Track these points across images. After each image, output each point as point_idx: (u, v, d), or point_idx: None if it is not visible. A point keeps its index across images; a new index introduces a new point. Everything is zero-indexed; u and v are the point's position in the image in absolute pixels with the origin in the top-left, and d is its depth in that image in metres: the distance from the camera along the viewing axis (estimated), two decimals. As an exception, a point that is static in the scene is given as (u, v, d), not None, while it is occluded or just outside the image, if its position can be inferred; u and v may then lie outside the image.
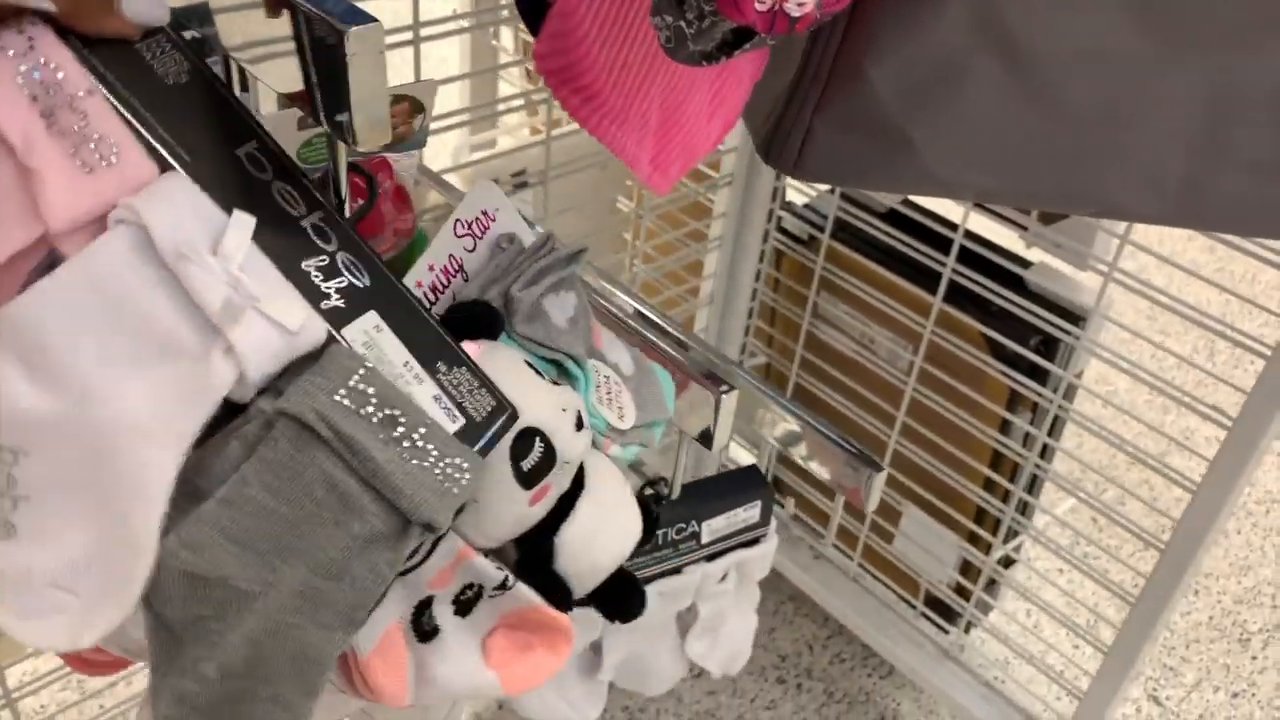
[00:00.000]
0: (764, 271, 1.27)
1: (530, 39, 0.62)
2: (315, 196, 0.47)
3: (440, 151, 1.06)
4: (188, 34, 0.48)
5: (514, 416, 0.48)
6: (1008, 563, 1.20)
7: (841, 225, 1.16)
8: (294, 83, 0.44)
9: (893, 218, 1.12)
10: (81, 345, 0.40)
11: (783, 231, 1.23)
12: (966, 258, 1.04)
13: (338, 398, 0.42)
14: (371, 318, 0.46)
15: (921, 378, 1.12)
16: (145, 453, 0.40)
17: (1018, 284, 1.04)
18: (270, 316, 0.41)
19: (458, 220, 0.56)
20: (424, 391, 0.46)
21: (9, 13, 0.41)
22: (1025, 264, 1.05)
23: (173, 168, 0.43)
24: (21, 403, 0.40)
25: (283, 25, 0.42)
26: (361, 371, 0.43)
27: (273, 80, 0.46)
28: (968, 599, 1.18)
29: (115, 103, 0.43)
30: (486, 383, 0.48)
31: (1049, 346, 1.04)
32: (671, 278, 1.26)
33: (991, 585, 1.19)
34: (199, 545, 0.40)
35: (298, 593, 0.42)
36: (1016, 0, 0.55)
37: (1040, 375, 1.04)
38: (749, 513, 0.73)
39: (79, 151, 0.41)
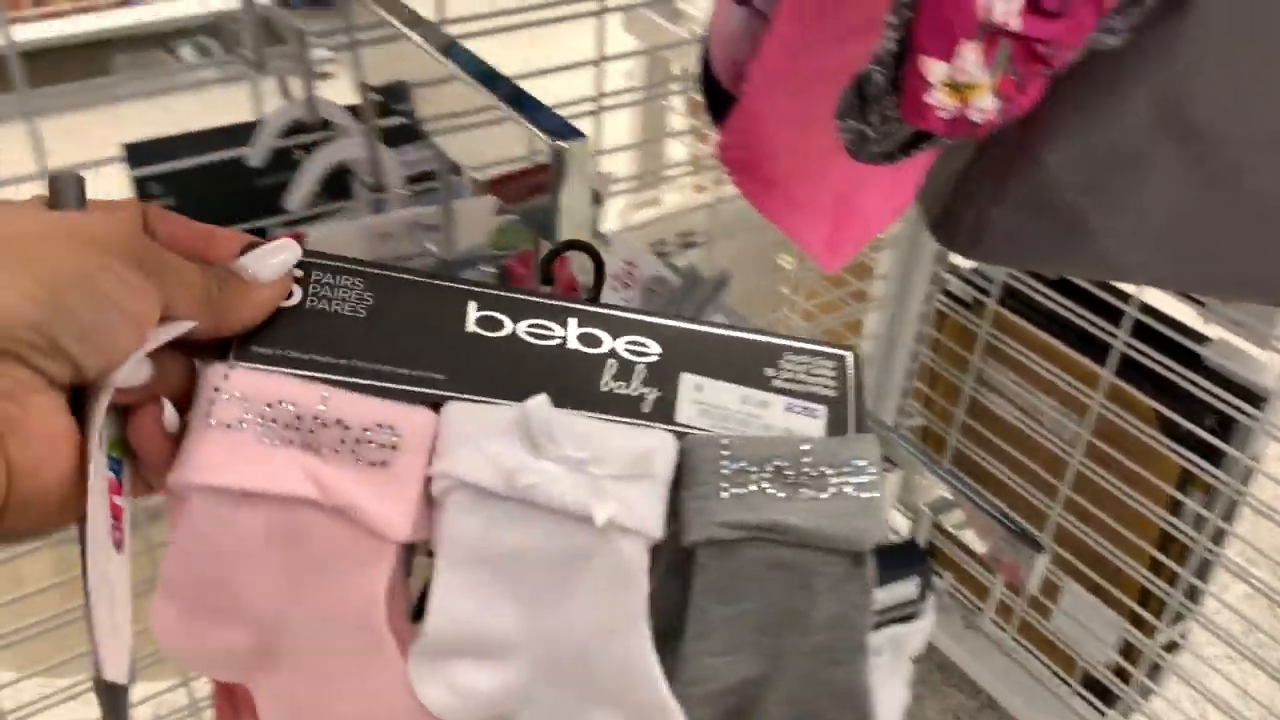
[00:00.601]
0: (925, 333, 1.26)
1: (699, 96, 0.65)
2: (561, 305, 0.45)
3: (608, 212, 1.10)
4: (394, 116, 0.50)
5: (852, 351, 0.47)
6: (1172, 647, 1.15)
7: (1009, 291, 1.15)
8: (479, 155, 0.46)
9: (1063, 285, 1.10)
10: (504, 609, 0.42)
11: (947, 294, 1.22)
12: (1140, 330, 1.02)
13: (724, 494, 0.42)
14: (688, 384, 0.45)
15: (1088, 451, 1.09)
16: (625, 643, 0.42)
17: (1194, 360, 1.01)
18: (627, 475, 0.41)
19: (610, 275, 0.59)
20: (774, 410, 0.45)
21: (176, 379, 0.40)
22: (1202, 339, 1.02)
23: (434, 400, 0.43)
24: (482, 685, 0.43)
25: (472, 97, 0.44)
26: (724, 453, 0.43)
27: (468, 158, 0.49)
28: (1128, 682, 1.13)
29: (344, 378, 0.41)
30: (810, 347, 0.46)
31: (1225, 426, 1.00)
32: (830, 335, 1.26)
33: (1154, 670, 1.15)
34: (702, 679, 0.44)
35: (806, 654, 0.44)
36: (1204, 88, 0.55)
37: (1215, 455, 1.00)
38: (906, 588, 0.73)
39: (360, 455, 0.41)
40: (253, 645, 0.43)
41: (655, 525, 0.41)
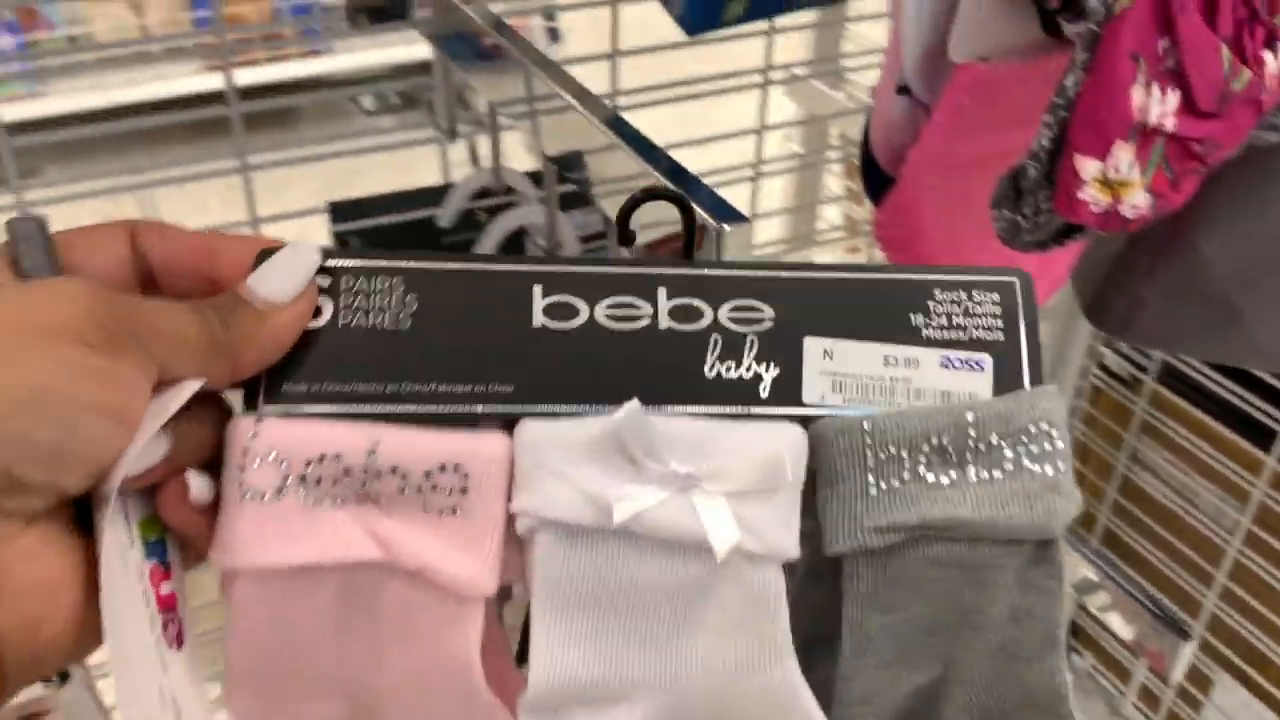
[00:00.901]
0: (1080, 407, 1.24)
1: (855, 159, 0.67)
2: (645, 273, 0.38)
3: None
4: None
5: (1019, 276, 0.39)
6: (1336, 753, 1.09)
7: (1169, 369, 1.12)
8: (641, 220, 0.44)
9: (1225, 366, 1.07)
10: (619, 653, 0.36)
11: (1103, 369, 1.20)
12: (1309, 418, 0.98)
13: (872, 491, 0.36)
14: (814, 351, 0.38)
15: (1248, 539, 1.05)
16: (768, 678, 0.37)
17: (1367, 452, 0.97)
18: (751, 490, 0.35)
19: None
20: (927, 368, 0.37)
21: (199, 444, 0.34)
22: (1378, 431, 0.97)
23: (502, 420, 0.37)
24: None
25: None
26: (868, 438, 0.36)
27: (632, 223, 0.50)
28: (1285, 786, 1.08)
29: (395, 408, 0.36)
30: (965, 278, 0.38)
31: (1402, 524, 0.95)
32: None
33: (1314, 776, 1.09)
34: (869, 696, 0.39)
35: (987, 654, 0.39)
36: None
37: (1389, 554, 0.95)
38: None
39: (427, 504, 0.35)
40: (346, 714, 0.38)
41: (789, 545, 0.36)
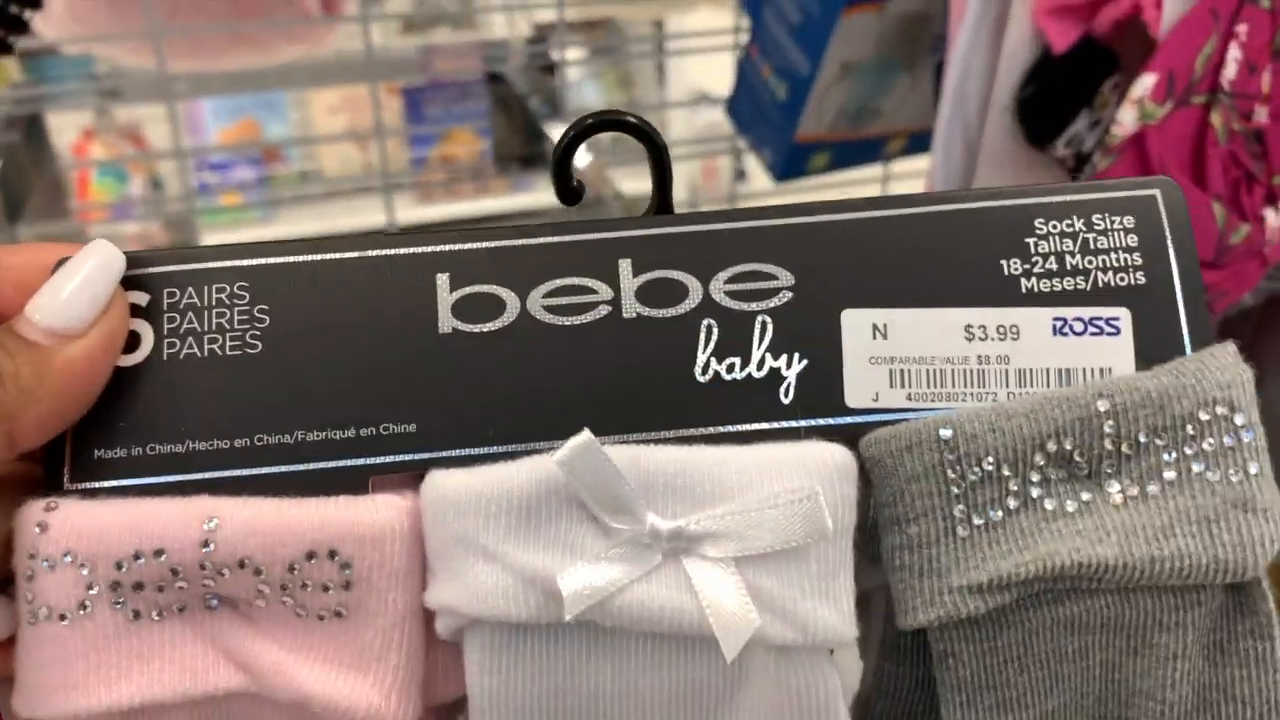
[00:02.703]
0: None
1: None
2: (598, 238, 0.27)
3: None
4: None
5: (1160, 187, 0.27)
6: None
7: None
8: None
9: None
10: None
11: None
12: None
13: (962, 531, 0.24)
14: (857, 329, 0.26)
15: None
16: None
17: None
18: (774, 549, 0.24)
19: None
20: (1032, 336, 0.25)
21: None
22: None
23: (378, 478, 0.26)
24: None
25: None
26: (946, 455, 0.24)
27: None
28: None
29: (244, 472, 0.25)
30: (1080, 197, 0.26)
31: None
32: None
33: None
34: None
35: None
36: None
37: None
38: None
39: (299, 606, 0.25)
40: None
41: (838, 626, 0.24)
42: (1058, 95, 0.42)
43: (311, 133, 2.08)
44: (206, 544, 0.24)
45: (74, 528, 0.24)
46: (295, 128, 2.12)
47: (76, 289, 0.24)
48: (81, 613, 0.24)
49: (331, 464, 0.25)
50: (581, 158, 0.75)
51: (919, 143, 0.84)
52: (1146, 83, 0.47)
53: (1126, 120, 0.47)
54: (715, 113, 1.10)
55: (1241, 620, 0.25)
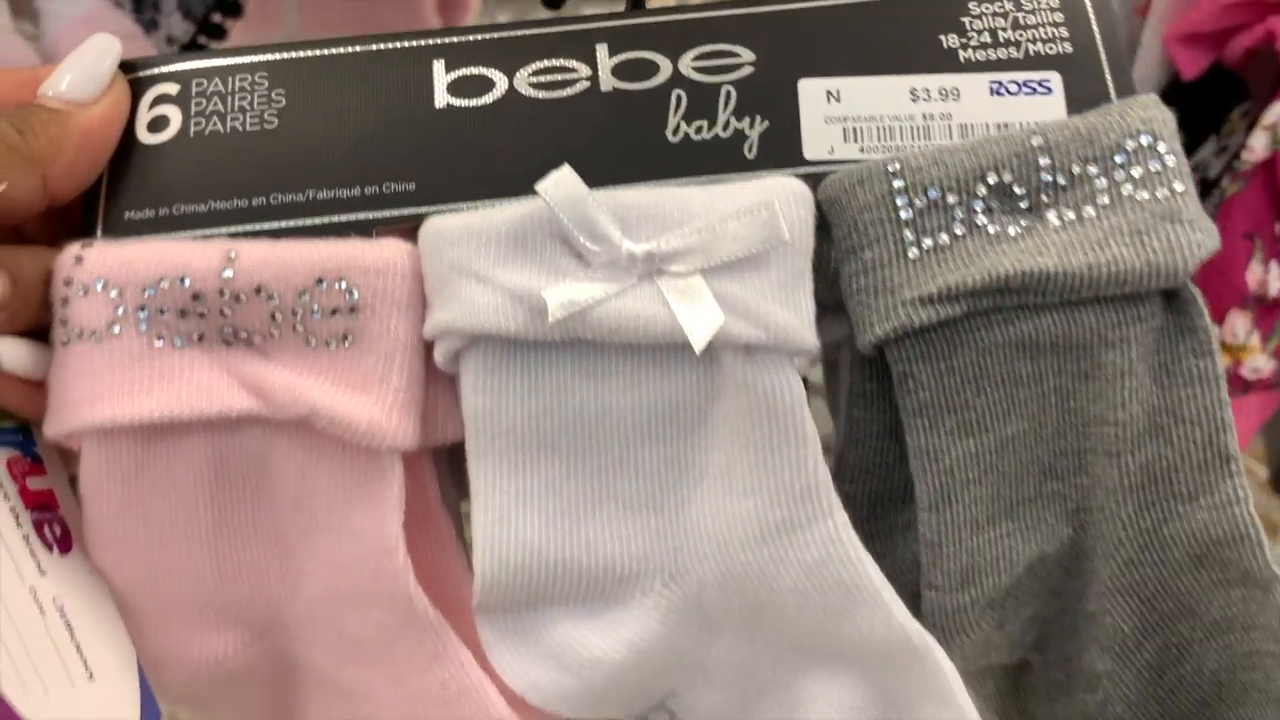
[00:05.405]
0: None
1: None
2: (575, 29, 0.30)
3: None
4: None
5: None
6: None
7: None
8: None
9: None
10: (594, 514, 0.27)
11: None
12: None
13: (912, 253, 0.26)
14: (813, 95, 0.29)
15: None
16: (808, 535, 0.26)
17: None
18: (734, 259, 0.26)
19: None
20: (972, 98, 0.28)
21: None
22: None
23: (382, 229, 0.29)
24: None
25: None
26: (896, 181, 0.26)
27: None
28: None
29: (260, 225, 0.29)
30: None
31: None
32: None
33: None
34: (959, 580, 0.27)
35: (1131, 489, 0.26)
36: None
37: None
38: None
39: (311, 335, 0.27)
40: (251, 649, 0.28)
41: (798, 329, 0.26)
42: (1186, 121, 0.47)
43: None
44: (226, 272, 0.27)
45: (107, 259, 0.27)
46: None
47: (85, 68, 0.29)
48: (110, 333, 0.26)
49: (339, 218, 0.28)
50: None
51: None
52: (1279, 110, 0.47)
53: (1258, 146, 0.47)
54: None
55: (1183, 339, 0.26)
